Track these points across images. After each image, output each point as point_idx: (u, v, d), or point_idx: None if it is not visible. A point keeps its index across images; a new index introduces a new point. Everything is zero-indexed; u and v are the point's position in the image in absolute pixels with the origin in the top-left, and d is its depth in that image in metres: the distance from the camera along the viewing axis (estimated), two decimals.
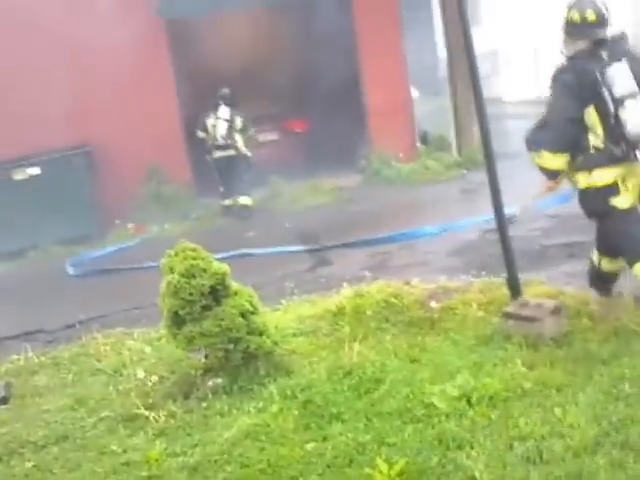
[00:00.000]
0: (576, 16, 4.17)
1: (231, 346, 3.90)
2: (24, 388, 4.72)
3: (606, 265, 4.44)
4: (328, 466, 3.06)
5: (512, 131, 16.19)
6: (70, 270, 8.43)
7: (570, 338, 4.02)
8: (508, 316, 4.20)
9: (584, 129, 4.21)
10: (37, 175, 9.76)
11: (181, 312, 3.86)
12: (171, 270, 3.90)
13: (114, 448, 3.65)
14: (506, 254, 4.46)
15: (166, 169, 10.48)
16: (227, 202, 10.34)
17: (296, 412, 3.56)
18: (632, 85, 4.03)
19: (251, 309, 4.04)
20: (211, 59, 11.18)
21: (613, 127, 4.14)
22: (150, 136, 10.28)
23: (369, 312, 4.74)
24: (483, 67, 20.07)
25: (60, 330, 6.09)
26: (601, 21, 4.14)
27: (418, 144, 11.66)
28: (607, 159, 4.18)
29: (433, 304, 4.62)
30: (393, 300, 4.79)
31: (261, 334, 4.03)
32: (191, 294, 3.83)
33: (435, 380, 3.69)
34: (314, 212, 9.62)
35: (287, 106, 12.42)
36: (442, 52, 13.95)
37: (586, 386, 3.41)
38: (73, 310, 6.54)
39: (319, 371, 3.99)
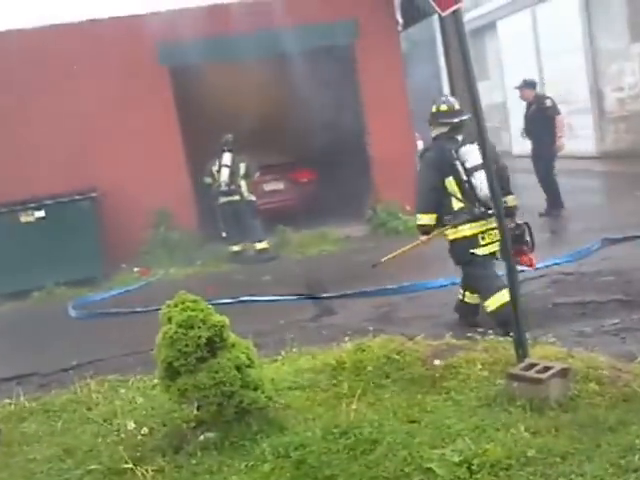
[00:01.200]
0: (434, 108, 5.87)
1: (224, 400, 3.77)
2: (12, 435, 4.59)
3: (468, 298, 6.04)
4: None
5: (525, 186, 16.28)
6: (72, 312, 8.36)
7: (576, 403, 3.88)
8: (513, 377, 4.06)
9: (447, 195, 5.71)
10: (44, 218, 9.82)
11: (176, 364, 3.75)
12: (169, 321, 3.81)
13: None
14: (515, 312, 4.34)
15: (173, 215, 10.54)
16: (236, 248, 10.31)
17: (289, 473, 3.42)
18: (479, 160, 5.22)
19: (247, 362, 3.93)
20: (217, 106, 11.31)
21: (468, 192, 5.66)
22: (157, 182, 10.42)
23: (369, 367, 4.61)
24: (492, 120, 20.22)
25: (54, 374, 5.99)
26: (452, 112, 5.82)
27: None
28: (467, 217, 5.68)
29: (437, 362, 4.48)
30: (395, 356, 4.66)
31: (256, 388, 3.91)
32: (187, 345, 3.73)
33: (434, 443, 3.55)
34: (320, 260, 9.56)
35: (293, 156, 12.55)
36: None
37: (593, 455, 3.26)
38: (70, 353, 6.45)
39: (314, 429, 3.84)
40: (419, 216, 5.84)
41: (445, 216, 5.74)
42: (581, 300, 6.20)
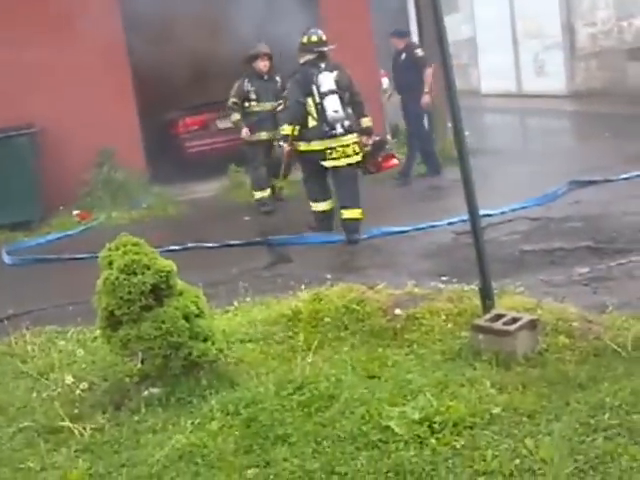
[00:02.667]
0: (305, 39, 7.32)
1: (171, 352, 3.65)
2: None
3: (323, 206, 7.44)
4: None
5: (491, 126, 16.24)
6: (6, 258, 8.09)
7: (545, 357, 3.84)
8: (478, 329, 4.01)
9: (306, 113, 7.17)
10: None
11: (117, 312, 3.60)
12: (109, 265, 3.64)
13: (31, 465, 3.39)
14: (480, 260, 4.27)
15: (117, 154, 10.11)
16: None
17: (238, 431, 3.32)
18: (332, 86, 7.04)
19: (196, 311, 3.80)
20: (171, 36, 10.85)
21: (320, 112, 7.07)
22: (101, 118, 9.91)
23: (327, 318, 4.52)
24: (460, 56, 20.08)
25: None
26: (320, 42, 7.32)
27: (388, 137, 11.44)
28: (319, 134, 7.12)
29: (398, 311, 4.41)
30: (354, 306, 4.57)
31: (205, 340, 3.79)
32: (130, 292, 3.57)
33: (395, 400, 3.47)
34: (275, 203, 9.37)
35: None
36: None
37: (561, 414, 3.22)
38: (5, 302, 6.22)
39: (267, 384, 3.75)
40: (284, 127, 7.35)
41: (302, 130, 7.20)
42: (549, 247, 6.17)
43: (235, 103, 9.16)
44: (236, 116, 9.16)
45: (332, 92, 7.04)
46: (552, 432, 3.07)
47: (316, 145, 7.17)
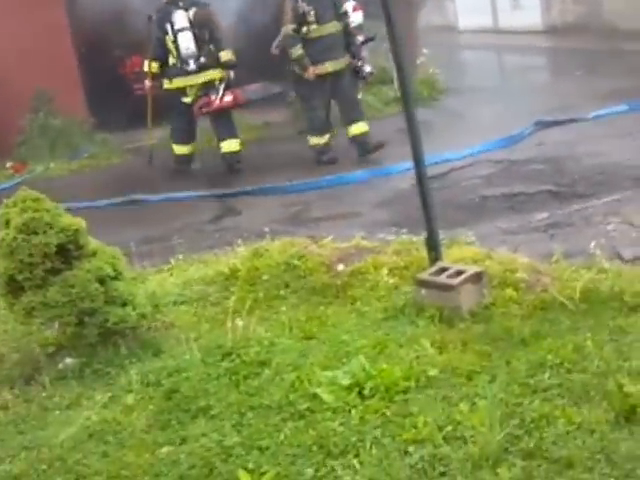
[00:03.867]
0: None
1: (85, 319, 3.48)
2: None
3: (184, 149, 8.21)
4: (181, 478, 2.70)
5: (465, 64, 15.96)
6: None
7: (490, 312, 3.72)
8: (421, 284, 3.88)
9: (167, 51, 7.68)
10: None
11: (19, 277, 3.40)
12: (6, 225, 3.42)
13: None
14: (425, 210, 4.12)
15: (54, 98, 9.55)
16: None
17: (156, 405, 3.18)
18: (185, 24, 7.55)
19: (113, 273, 3.61)
20: None
21: (176, 50, 7.55)
22: (34, 58, 9.21)
23: (266, 276, 4.36)
24: None
25: None
26: None
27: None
28: (178, 72, 7.65)
29: (340, 267, 4.26)
30: (296, 262, 4.42)
31: (124, 304, 3.62)
32: (31, 255, 3.37)
33: (328, 363, 3.35)
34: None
35: None
36: None
37: (500, 374, 3.11)
38: None
39: (194, 351, 3.61)
40: (146, 63, 7.89)
41: (164, 69, 7.77)
42: (509, 192, 6.05)
43: (295, 30, 7.57)
44: (299, 50, 7.57)
45: (185, 29, 7.54)
46: (489, 394, 2.95)
47: (177, 83, 7.75)
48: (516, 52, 16.02)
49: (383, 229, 5.46)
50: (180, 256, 5.10)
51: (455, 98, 10.61)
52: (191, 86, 7.70)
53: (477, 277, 3.82)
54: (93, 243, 3.67)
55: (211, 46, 7.65)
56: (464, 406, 2.91)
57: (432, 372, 3.18)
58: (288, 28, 7.60)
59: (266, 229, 5.15)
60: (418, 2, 11.81)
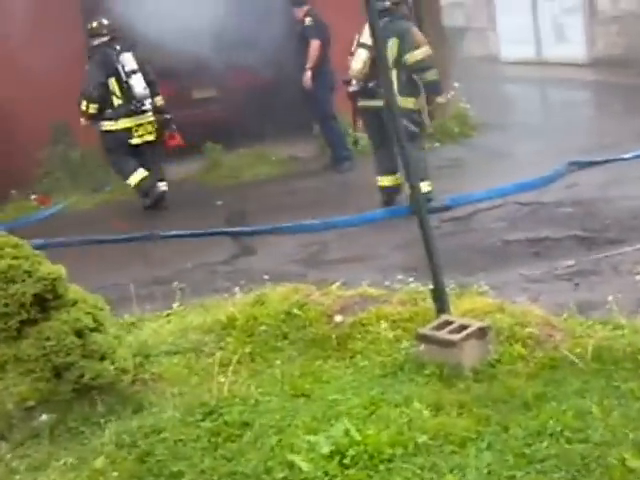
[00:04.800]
0: (95, 24, 8.23)
1: (59, 374, 3.37)
2: None
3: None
4: None
5: (504, 97, 15.73)
6: None
7: (495, 370, 3.53)
8: (422, 339, 3.70)
9: (109, 93, 8.00)
10: None
11: None
12: None
13: None
14: (430, 258, 3.96)
15: (74, 130, 9.42)
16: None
17: (127, 469, 3.04)
18: (134, 66, 7.98)
19: (92, 325, 3.50)
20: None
21: (126, 91, 7.95)
22: (53, 89, 9.07)
23: (264, 326, 4.22)
24: (477, 19, 19.41)
25: None
26: (111, 26, 8.16)
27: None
28: (127, 112, 7.98)
29: (338, 318, 4.10)
30: (296, 311, 4.27)
31: (103, 358, 3.50)
32: (6, 305, 3.28)
33: (314, 426, 3.18)
34: (254, 187, 9.07)
35: (228, 56, 11.45)
36: None
37: (496, 442, 2.91)
38: None
39: (178, 408, 3.48)
40: (83, 103, 8.05)
41: (106, 111, 8.03)
42: (535, 236, 5.85)
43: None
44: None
45: (137, 71, 8.04)
46: (480, 465, 2.77)
47: (125, 123, 8.06)
48: (558, 85, 15.79)
49: (398, 273, 5.28)
50: (182, 301, 4.98)
51: (489, 134, 10.42)
52: (139, 125, 8.08)
53: (482, 332, 3.63)
54: (74, 291, 3.58)
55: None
56: (453, 478, 2.73)
57: (422, 438, 2.99)
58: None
59: (285, 271, 5.04)
60: (447, 34, 11.69)
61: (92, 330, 3.49)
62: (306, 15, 9.39)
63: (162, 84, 11.49)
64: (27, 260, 3.38)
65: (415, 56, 6.82)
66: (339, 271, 5.59)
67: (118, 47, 8.05)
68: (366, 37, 6.67)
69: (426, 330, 3.72)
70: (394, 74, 6.46)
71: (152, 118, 8.18)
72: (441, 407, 3.24)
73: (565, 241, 5.67)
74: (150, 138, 8.18)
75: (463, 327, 3.65)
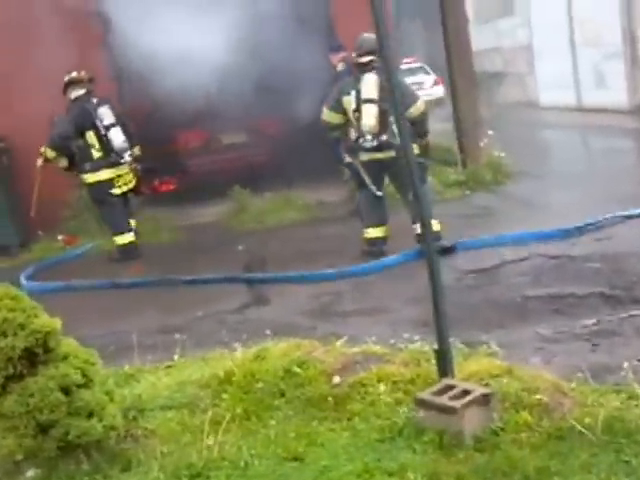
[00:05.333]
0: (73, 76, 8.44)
1: (44, 431, 3.30)
2: None
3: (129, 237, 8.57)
4: None
5: (542, 144, 15.57)
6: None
7: (498, 439, 3.40)
8: (422, 404, 3.58)
9: (88, 146, 8.26)
10: None
11: None
12: None
13: None
14: (436, 317, 3.84)
15: None
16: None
17: None
18: (112, 119, 8.34)
19: (80, 381, 3.44)
20: (161, 33, 10.40)
21: (106, 144, 8.23)
22: None
23: (261, 384, 4.12)
24: (516, 64, 19.32)
25: None
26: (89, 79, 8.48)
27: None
28: (107, 164, 8.27)
29: (337, 380, 3.99)
30: (295, 369, 4.17)
31: (91, 415, 3.43)
32: None
33: None
34: (277, 233, 9.03)
35: (258, 103, 11.66)
36: None
37: None
38: None
39: (165, 468, 3.39)
40: (44, 147, 8.31)
41: (85, 163, 8.28)
42: (558, 292, 5.67)
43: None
44: None
45: (115, 124, 8.34)
46: None
47: (106, 174, 8.30)
48: (598, 132, 15.60)
49: (408, 328, 5.18)
50: (186, 352, 4.92)
51: (523, 183, 10.26)
52: (119, 176, 8.35)
53: (485, 399, 3.50)
54: (67, 345, 3.53)
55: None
56: None
57: None
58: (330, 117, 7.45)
59: (295, 323, 4.97)
60: (483, 80, 11.65)
61: (81, 386, 3.42)
62: (340, 61, 9.46)
63: (193, 131, 11.79)
64: (23, 313, 3.36)
65: (418, 108, 7.16)
66: (349, 324, 5.52)
67: (95, 100, 8.34)
68: (370, 92, 7.02)
69: (426, 395, 3.59)
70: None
71: (129, 169, 8.47)
72: (437, 478, 3.11)
73: (589, 298, 5.49)
74: (129, 187, 8.51)
75: (465, 392, 3.52)
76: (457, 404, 3.43)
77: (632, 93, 16.38)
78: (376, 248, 7.33)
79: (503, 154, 10.74)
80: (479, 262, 6.74)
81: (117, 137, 8.28)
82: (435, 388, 3.63)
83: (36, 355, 3.38)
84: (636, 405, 3.49)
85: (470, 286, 6.17)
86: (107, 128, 8.25)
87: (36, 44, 9.18)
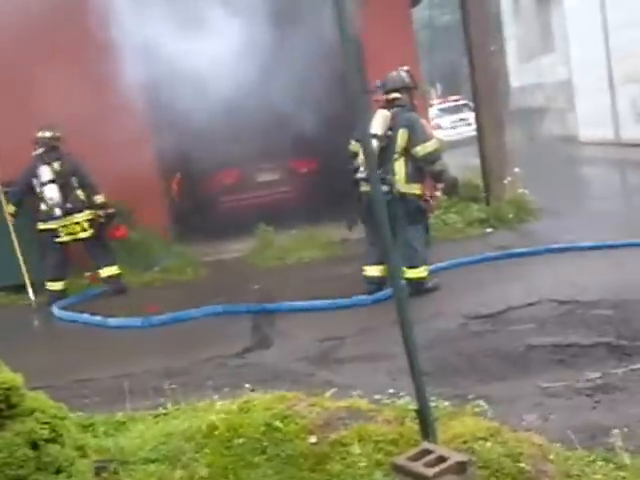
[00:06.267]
0: (37, 135, 8.98)
1: None
2: None
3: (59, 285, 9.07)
4: None
5: (578, 179, 15.18)
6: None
7: None
8: (398, 470, 3.37)
9: (38, 199, 8.89)
10: None
11: None
12: None
13: None
14: (414, 375, 3.64)
15: (134, 210, 9.78)
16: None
17: None
18: (49, 177, 8.84)
19: (49, 436, 3.32)
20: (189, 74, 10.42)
21: (43, 199, 8.82)
22: (114, 168, 9.01)
23: (242, 439, 3.96)
24: (556, 99, 18.99)
25: None
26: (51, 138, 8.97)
27: (438, 193, 10.75)
28: (48, 217, 8.83)
29: (312, 439, 3.81)
30: (278, 424, 4.00)
31: (59, 471, 3.30)
32: None
33: None
34: (296, 271, 8.90)
35: (292, 142, 11.68)
36: None
37: None
38: None
39: None
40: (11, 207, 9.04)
41: (38, 213, 8.84)
42: (563, 342, 5.42)
43: None
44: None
45: (49, 182, 8.74)
46: None
47: (49, 225, 8.82)
48: (633, 168, 15.21)
49: (407, 377, 4.95)
50: (183, 398, 4.79)
51: (546, 221, 10.00)
52: (63, 227, 8.85)
53: (460, 467, 3.28)
54: (33, 399, 3.41)
55: (79, 192, 8.91)
56: None
57: None
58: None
59: (294, 369, 4.86)
60: (523, 116, 11.40)
61: (49, 441, 3.30)
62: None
63: (228, 170, 11.85)
64: None
65: (426, 148, 7.03)
66: (347, 372, 5.36)
67: (46, 158, 8.86)
68: (375, 127, 6.94)
69: (402, 460, 3.37)
70: (402, 162, 7.04)
71: (78, 219, 8.89)
72: None
73: (594, 349, 5.22)
74: (83, 235, 8.91)
75: (441, 459, 3.31)
76: (430, 472, 3.22)
77: None
78: (375, 287, 7.24)
79: (527, 191, 10.48)
80: (486, 306, 6.49)
81: (47, 194, 8.73)
82: (412, 452, 3.42)
83: (1, 410, 3.27)
84: (623, 478, 3.24)
85: (474, 333, 5.93)
86: (43, 184, 8.74)
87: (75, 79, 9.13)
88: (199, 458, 3.93)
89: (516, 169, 10.76)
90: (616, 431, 3.56)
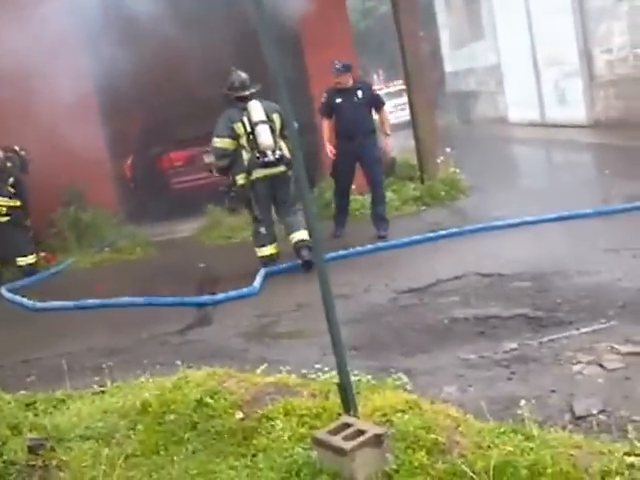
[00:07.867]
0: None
1: None
2: None
3: None
4: None
5: (503, 159, 15.23)
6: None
7: None
8: (318, 443, 3.28)
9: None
10: None
11: None
12: None
13: None
14: (336, 350, 3.53)
15: (86, 192, 9.53)
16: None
17: None
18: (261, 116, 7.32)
19: None
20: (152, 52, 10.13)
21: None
22: (67, 152, 8.95)
23: (174, 415, 3.83)
24: (488, 83, 19.06)
25: None
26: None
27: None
28: None
29: (239, 415, 3.70)
30: (208, 400, 3.88)
31: None
32: None
33: None
34: (241, 249, 8.73)
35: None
36: None
37: None
38: None
39: None
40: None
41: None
42: (484, 314, 5.38)
43: None
44: None
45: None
46: None
47: None
48: (559, 147, 15.34)
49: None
50: (122, 376, 4.65)
51: (476, 198, 9.99)
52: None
53: (378, 439, 3.20)
54: None
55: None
56: None
57: None
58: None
59: (231, 346, 4.73)
60: (435, 99, 11.37)
61: None
62: (359, 81, 9.14)
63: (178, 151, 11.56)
64: None
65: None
66: (280, 348, 5.24)
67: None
68: (260, 115, 7.28)
69: (322, 434, 3.29)
70: (284, 143, 7.35)
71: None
72: None
73: (512, 320, 5.18)
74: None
75: (360, 432, 3.23)
76: (348, 445, 3.14)
77: (590, 109, 16.11)
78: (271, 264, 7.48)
79: (458, 170, 10.46)
80: (415, 280, 6.43)
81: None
82: (333, 426, 3.34)
83: None
84: (530, 449, 3.18)
85: (402, 307, 5.86)
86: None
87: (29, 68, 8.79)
88: (132, 435, 3.80)
89: (447, 149, 10.72)
90: (524, 402, 3.50)
